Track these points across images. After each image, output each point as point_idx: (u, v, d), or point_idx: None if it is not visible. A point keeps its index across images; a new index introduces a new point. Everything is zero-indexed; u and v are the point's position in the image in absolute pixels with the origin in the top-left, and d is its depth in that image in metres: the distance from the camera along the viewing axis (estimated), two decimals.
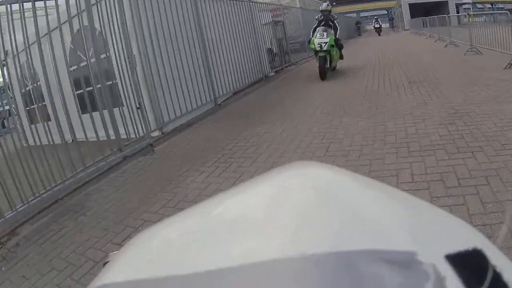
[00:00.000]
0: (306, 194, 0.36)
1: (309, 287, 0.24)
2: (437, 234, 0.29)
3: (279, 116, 4.82)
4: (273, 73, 9.14)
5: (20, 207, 2.94)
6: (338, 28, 7.48)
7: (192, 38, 5.71)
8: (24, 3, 3.33)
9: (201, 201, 0.39)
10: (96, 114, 3.90)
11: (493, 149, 2.64)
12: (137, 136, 4.33)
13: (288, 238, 0.29)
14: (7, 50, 3.83)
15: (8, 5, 3.25)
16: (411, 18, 25.69)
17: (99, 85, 4.02)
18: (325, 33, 7.06)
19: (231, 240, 0.30)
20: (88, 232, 2.60)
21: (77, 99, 4.08)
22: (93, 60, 4.15)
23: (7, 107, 4.37)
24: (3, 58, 3.52)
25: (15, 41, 3.26)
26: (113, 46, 4.27)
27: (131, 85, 4.34)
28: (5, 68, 3.65)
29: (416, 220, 0.31)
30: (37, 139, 3.44)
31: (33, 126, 3.61)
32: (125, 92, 4.30)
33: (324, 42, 6.91)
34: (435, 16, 13.77)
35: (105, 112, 3.97)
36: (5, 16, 3.23)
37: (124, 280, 0.29)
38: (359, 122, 3.94)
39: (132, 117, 4.29)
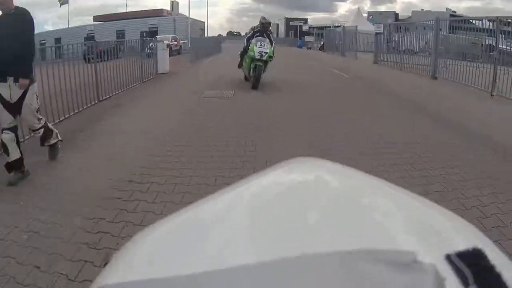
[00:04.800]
0: (305, 192, 0.36)
1: (309, 287, 0.24)
2: (437, 233, 0.29)
3: None
4: None
5: None
6: (273, 42, 7.84)
7: None
8: None
9: (198, 199, 0.38)
10: None
11: None
12: None
13: (288, 237, 0.29)
14: None
15: None
16: None
17: None
18: (265, 44, 7.43)
19: (230, 239, 0.30)
20: None
21: None
22: None
23: None
24: None
25: None
26: None
27: None
28: None
29: (417, 219, 0.31)
30: None
31: None
32: None
33: (265, 52, 7.21)
34: None
35: None
36: None
37: (125, 281, 0.29)
38: None
39: None
